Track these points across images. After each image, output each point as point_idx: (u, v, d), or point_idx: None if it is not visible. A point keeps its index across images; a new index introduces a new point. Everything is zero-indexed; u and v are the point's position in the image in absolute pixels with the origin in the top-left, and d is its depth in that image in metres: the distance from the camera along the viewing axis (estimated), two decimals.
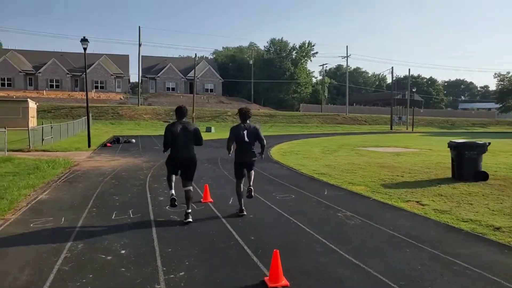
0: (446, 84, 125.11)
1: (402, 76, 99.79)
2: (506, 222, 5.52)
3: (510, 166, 11.54)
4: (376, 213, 6.12)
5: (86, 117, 29.28)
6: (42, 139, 18.85)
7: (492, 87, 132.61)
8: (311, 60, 74.05)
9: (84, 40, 18.19)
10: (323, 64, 72.79)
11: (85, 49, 18.25)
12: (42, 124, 21.15)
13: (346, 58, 59.71)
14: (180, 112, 6.04)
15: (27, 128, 18.54)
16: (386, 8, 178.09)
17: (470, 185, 8.32)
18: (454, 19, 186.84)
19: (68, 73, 58.48)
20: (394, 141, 25.63)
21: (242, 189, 6.20)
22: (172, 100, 57.55)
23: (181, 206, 6.41)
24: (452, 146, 9.24)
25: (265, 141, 6.22)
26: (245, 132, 5.99)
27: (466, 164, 8.93)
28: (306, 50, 71.67)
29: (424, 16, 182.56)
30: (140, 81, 53.73)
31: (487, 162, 10.84)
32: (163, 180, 9.34)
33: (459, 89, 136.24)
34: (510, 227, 5.26)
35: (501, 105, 61.43)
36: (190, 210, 5.87)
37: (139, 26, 49.90)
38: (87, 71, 59.64)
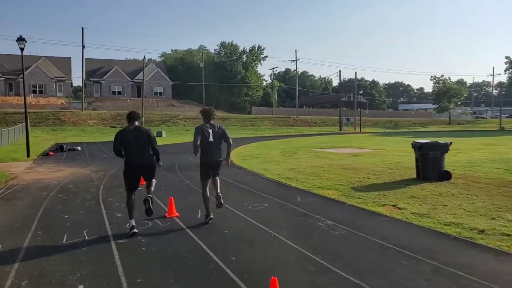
0: (386, 86, 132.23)
1: (347, 79, 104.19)
2: (486, 224, 5.45)
3: (462, 163, 11.95)
4: (357, 221, 5.82)
5: (23, 123, 26.79)
6: None
7: (427, 89, 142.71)
8: (261, 64, 74.51)
9: (20, 39, 16.45)
10: (273, 68, 73.86)
11: (22, 49, 16.50)
12: None
13: (295, 61, 60.66)
14: (131, 117, 5.76)
15: None
16: (331, 13, 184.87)
17: (437, 185, 8.37)
18: (393, 24, 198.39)
19: (1, 76, 53.57)
20: (346, 141, 26.14)
21: (208, 194, 5.98)
22: (118, 104, 54.83)
23: (140, 223, 5.70)
24: (417, 146, 9.30)
25: (231, 140, 6.03)
26: (210, 131, 5.82)
27: (431, 164, 9.02)
28: (256, 54, 71.86)
29: (366, 21, 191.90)
30: (83, 85, 50.56)
31: None
32: (118, 192, 8.46)
33: (398, 91, 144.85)
34: (493, 229, 5.18)
35: (437, 105, 65.74)
36: (150, 195, 5.79)
37: (82, 27, 47.02)
38: (24, 74, 55.09)
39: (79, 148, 21.35)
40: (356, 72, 73.43)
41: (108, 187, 9.30)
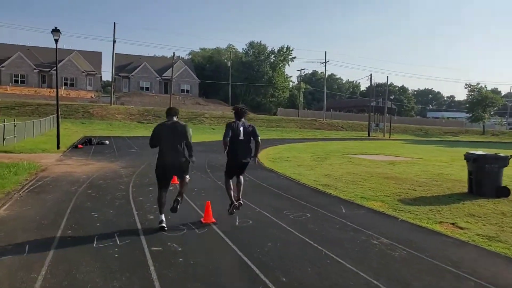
0: (415, 92, 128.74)
1: (375, 84, 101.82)
2: None
3: None
4: (416, 240, 5.15)
5: (54, 115, 27.21)
6: (3, 139, 16.90)
7: (458, 97, 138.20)
8: (289, 65, 73.63)
9: (55, 31, 16.46)
10: (301, 69, 72.88)
11: (56, 40, 16.51)
12: (4, 122, 19.12)
13: (324, 63, 59.57)
14: (170, 112, 5.72)
15: None
16: (361, 16, 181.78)
17: (495, 202, 7.55)
18: (425, 29, 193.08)
19: (35, 68, 55.05)
20: (378, 148, 25.14)
21: (232, 185, 6.01)
22: (146, 100, 55.39)
23: (175, 228, 5.24)
24: (471, 158, 8.48)
25: (260, 138, 6.00)
26: (241, 129, 5.76)
27: (487, 179, 8.19)
28: (284, 55, 71.10)
29: (398, 25, 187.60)
30: (113, 80, 51.31)
31: None
32: (148, 191, 8.07)
33: (427, 98, 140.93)
34: None
35: (471, 114, 63.11)
36: (180, 198, 5.65)
37: (114, 22, 47.69)
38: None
39: (107, 142, 21.35)
40: (387, 77, 71.43)
41: (138, 185, 8.93)
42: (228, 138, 5.67)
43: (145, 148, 18.74)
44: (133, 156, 15.41)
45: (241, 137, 5.73)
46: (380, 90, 75.70)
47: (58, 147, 16.90)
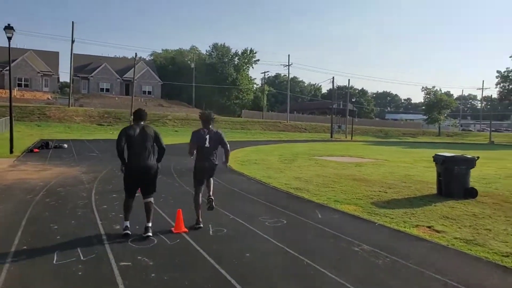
0: (374, 95, 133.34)
1: (337, 87, 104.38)
2: None
3: (477, 179, 11.36)
4: (396, 246, 5.07)
5: (6, 117, 25.43)
6: None
7: (414, 99, 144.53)
8: (252, 67, 73.76)
9: (8, 28, 15.31)
10: (265, 72, 73.09)
11: (9, 38, 15.34)
12: None
13: (287, 66, 60.21)
14: (139, 114, 5.38)
15: None
16: (323, 20, 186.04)
17: (465, 204, 7.71)
18: (383, 33, 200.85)
19: None
20: (342, 149, 25.56)
21: (200, 200, 5.77)
22: (106, 101, 53.34)
23: (144, 239, 4.86)
24: (440, 160, 8.65)
25: (228, 146, 5.90)
26: (207, 137, 5.63)
27: (455, 180, 8.37)
28: (248, 57, 71.16)
29: (357, 29, 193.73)
30: (71, 80, 48.96)
31: None
32: (112, 199, 7.56)
33: (386, 101, 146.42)
34: None
35: (427, 116, 66.02)
36: (150, 224, 5.28)
37: (72, 22, 45.51)
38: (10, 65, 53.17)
39: (65, 145, 20.18)
40: (349, 80, 73.44)
41: (101, 191, 8.36)
42: (195, 147, 5.61)
43: (107, 152, 17.86)
44: (94, 160, 14.59)
45: (207, 144, 5.62)
46: (341, 93, 77.64)
47: (11, 151, 15.71)
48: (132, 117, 5.52)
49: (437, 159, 8.73)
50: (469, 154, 9.40)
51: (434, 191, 9.06)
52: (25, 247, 4.69)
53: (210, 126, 5.76)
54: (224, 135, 5.90)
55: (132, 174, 5.22)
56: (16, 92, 47.86)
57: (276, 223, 6.09)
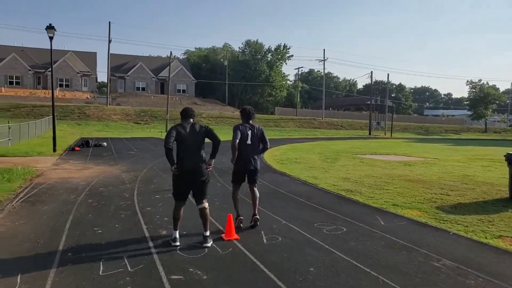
0: (412, 90, 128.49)
1: (373, 83, 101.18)
2: None
3: None
4: (484, 262, 4.33)
5: (50, 117, 26.23)
6: None
7: (455, 94, 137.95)
8: (286, 63, 73.10)
9: (50, 28, 15.55)
10: (299, 67, 72.00)
11: (51, 38, 15.58)
12: (8, 123, 18.16)
13: (323, 61, 58.83)
14: (186, 113, 4.93)
15: None
16: (357, 15, 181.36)
17: None
18: (421, 27, 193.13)
19: (30, 70, 53.85)
20: (385, 147, 24.39)
21: (239, 195, 5.57)
22: (142, 100, 54.40)
23: (193, 247, 4.41)
24: None
25: (269, 144, 5.69)
26: (249, 133, 5.35)
27: None
28: (281, 53, 70.32)
29: (394, 23, 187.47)
30: (108, 80, 50.23)
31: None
32: (155, 200, 7.23)
33: (425, 96, 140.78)
34: None
35: (473, 112, 62.47)
36: (208, 233, 4.80)
37: (109, 22, 46.61)
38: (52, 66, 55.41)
39: (105, 144, 20.42)
40: (388, 74, 71.03)
41: (143, 192, 8.07)
42: (237, 143, 5.24)
43: (145, 151, 17.86)
44: (133, 159, 14.52)
45: (249, 141, 5.34)
46: (378, 88, 75.11)
47: (54, 150, 15.98)
48: (180, 116, 4.98)
49: (510, 158, 7.77)
50: None
51: (505, 194, 8.13)
52: (70, 254, 4.37)
53: (251, 122, 5.48)
54: (265, 132, 5.61)
55: (184, 176, 4.73)
56: (58, 92, 49.73)
57: (335, 230, 5.48)
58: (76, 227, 5.44)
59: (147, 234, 5.17)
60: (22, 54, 54.29)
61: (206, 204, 4.86)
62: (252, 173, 5.44)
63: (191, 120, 4.88)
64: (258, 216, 5.54)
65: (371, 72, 59.67)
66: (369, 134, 48.25)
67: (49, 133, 23.37)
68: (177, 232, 4.81)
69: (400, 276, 3.89)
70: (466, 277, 3.88)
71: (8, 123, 18.29)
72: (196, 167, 4.73)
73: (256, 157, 5.43)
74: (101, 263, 4.12)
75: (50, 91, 49.45)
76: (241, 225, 5.40)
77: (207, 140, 4.85)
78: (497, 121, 71.45)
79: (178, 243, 4.71)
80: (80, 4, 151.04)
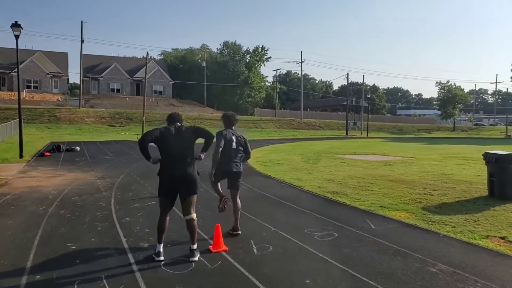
0: (385, 91, 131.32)
1: (347, 83, 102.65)
2: None
3: None
4: (479, 264, 4.21)
5: (16, 120, 24.97)
6: None
7: (425, 95, 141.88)
8: (264, 65, 72.96)
9: (15, 26, 14.69)
10: (277, 69, 71.92)
11: (17, 36, 14.72)
12: None
13: (300, 63, 59.14)
14: (173, 117, 4.59)
15: None
16: (332, 15, 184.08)
17: None
18: (392, 28, 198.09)
19: None
20: (363, 147, 24.59)
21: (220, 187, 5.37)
22: (117, 102, 53.01)
23: (179, 261, 4.08)
24: (492, 158, 7.73)
25: (251, 154, 5.61)
26: (233, 138, 5.24)
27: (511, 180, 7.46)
28: (259, 54, 70.35)
29: (367, 24, 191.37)
30: (81, 81, 48.63)
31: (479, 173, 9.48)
32: (134, 209, 6.82)
33: (397, 96, 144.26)
34: None
35: (442, 111, 64.39)
36: (196, 246, 4.43)
37: (82, 21, 45.18)
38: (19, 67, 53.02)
39: (77, 148, 19.60)
40: (363, 76, 72.23)
41: (121, 200, 7.62)
42: (221, 148, 5.09)
43: (121, 154, 17.23)
44: (109, 164, 13.91)
45: (234, 146, 5.23)
46: (353, 89, 76.14)
47: (21, 156, 15.11)
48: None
49: (488, 157, 7.81)
50: (498, 149, 8.48)
51: (483, 192, 8.18)
52: (38, 276, 3.92)
53: (233, 128, 5.37)
54: (248, 140, 5.50)
55: (167, 183, 4.42)
56: (25, 94, 47.74)
57: (326, 236, 5.26)
58: (46, 243, 4.97)
59: (127, 248, 4.78)
60: None
61: (194, 215, 4.52)
62: (235, 176, 5.28)
63: (178, 124, 4.55)
64: (240, 231, 5.27)
65: (347, 73, 60.33)
66: (346, 134, 48.78)
67: (15, 137, 22.19)
68: (161, 245, 4.44)
69: (399, 284, 3.69)
70: (465, 283, 3.72)
71: None
72: (185, 174, 4.38)
73: (238, 162, 5.31)
74: (75, 285, 3.71)
75: (16, 93, 47.53)
76: (227, 204, 5.27)
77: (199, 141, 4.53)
78: (464, 120, 74.06)
79: (162, 258, 4.34)
80: (51, 1, 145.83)
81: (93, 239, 5.12)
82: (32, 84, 52.86)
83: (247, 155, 5.45)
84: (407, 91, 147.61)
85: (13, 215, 6.39)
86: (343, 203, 7.46)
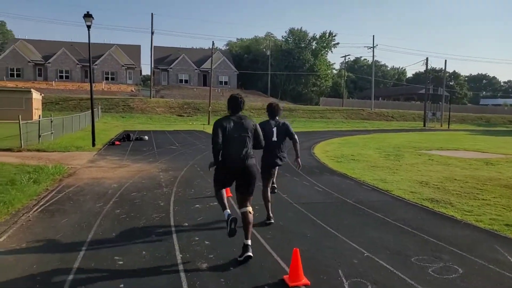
0: (466, 78, 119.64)
1: (423, 71, 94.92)
2: None
3: None
4: None
5: (95, 109, 26.20)
6: (39, 136, 15.56)
7: None
8: (331, 51, 70.01)
9: (87, 16, 14.77)
10: (345, 55, 68.16)
11: (89, 26, 14.83)
12: (40, 118, 17.92)
13: (372, 48, 55.42)
14: (235, 103, 4.29)
15: (29, 121, 15.37)
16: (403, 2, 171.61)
17: None
18: (474, 12, 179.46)
19: (78, 64, 55.50)
20: (448, 141, 21.78)
21: (269, 193, 5.40)
22: (185, 92, 54.26)
23: None
24: None
25: (296, 136, 5.43)
26: (274, 130, 5.27)
27: None
28: (326, 41, 67.45)
29: (446, 8, 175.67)
30: (152, 73, 50.37)
31: None
32: (195, 211, 5.92)
33: (481, 84, 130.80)
34: None
35: None
36: (250, 242, 4.03)
37: (152, 13, 46.46)
38: (98, 61, 56.74)
39: (146, 137, 19.69)
40: (446, 61, 65.93)
41: (181, 199, 6.78)
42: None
43: (187, 145, 16.85)
44: (174, 155, 13.44)
45: (274, 138, 5.23)
46: (429, 77, 69.89)
47: (93, 144, 15.34)
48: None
49: None
50: None
51: None
52: None
53: (277, 118, 5.39)
54: (291, 125, 5.48)
55: (225, 175, 4.20)
56: (104, 85, 50.82)
57: (446, 272, 3.81)
58: (93, 255, 4.19)
59: (181, 269, 3.81)
60: (71, 48, 55.96)
61: (250, 208, 4.15)
62: (278, 165, 5.42)
63: (240, 113, 4.25)
64: (275, 185, 5.69)
65: (426, 58, 54.81)
66: (424, 125, 44.77)
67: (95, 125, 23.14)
68: (228, 210, 4.17)
69: None
70: None
71: (50, 116, 17.98)
72: (242, 167, 4.09)
73: (282, 152, 5.34)
74: None
75: (97, 84, 50.81)
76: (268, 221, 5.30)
77: None
78: None
79: (230, 215, 4.03)
80: None
81: (143, 252, 4.24)
82: (109, 76, 56.13)
83: (292, 138, 5.36)
84: (494, 77, 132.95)
85: (69, 213, 5.82)
86: (451, 216, 5.84)
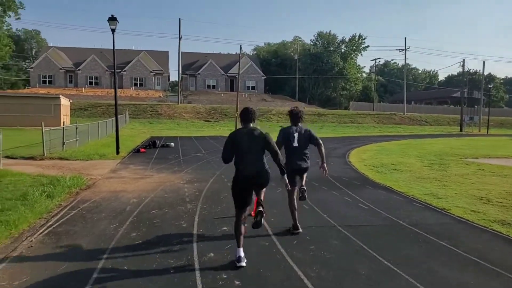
0: (502, 81, 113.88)
1: (456, 73, 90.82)
2: None
3: None
4: None
5: (122, 115, 26.01)
6: (63, 143, 15.30)
7: None
8: (361, 55, 68.11)
9: (112, 19, 14.42)
10: (375, 59, 65.79)
11: (113, 30, 14.47)
12: (63, 125, 17.76)
13: (404, 51, 53.35)
14: (246, 114, 4.38)
15: (53, 128, 15.15)
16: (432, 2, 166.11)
17: None
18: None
19: (107, 70, 56.50)
20: (495, 147, 20.07)
21: (295, 202, 5.24)
22: (212, 97, 54.07)
23: None
24: None
25: (321, 141, 5.30)
26: (295, 135, 5.27)
27: None
28: (356, 44, 65.74)
29: (472, 8, 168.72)
30: (180, 78, 50.51)
31: None
32: (222, 234, 5.09)
33: None
34: None
35: None
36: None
37: (179, 18, 46.62)
38: (126, 68, 57.47)
39: (172, 144, 19.18)
40: (484, 62, 62.71)
41: (207, 218, 5.97)
42: (281, 146, 5.18)
43: (214, 152, 16.14)
44: (200, 163, 12.74)
45: (295, 143, 5.26)
46: (461, 80, 66.79)
47: (117, 152, 14.89)
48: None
49: None
50: None
51: None
52: None
53: (300, 124, 5.40)
54: (314, 131, 5.44)
55: (240, 184, 4.28)
56: (132, 91, 51.35)
57: None
58: None
59: None
60: (100, 55, 57.04)
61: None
62: (303, 171, 5.35)
63: (251, 124, 4.36)
64: (304, 187, 5.37)
65: (463, 60, 52.10)
66: (460, 130, 42.39)
67: (121, 132, 22.95)
68: (241, 249, 4.12)
69: None
70: None
71: (76, 123, 17.78)
72: (253, 174, 4.19)
73: (305, 158, 5.29)
74: None
75: (125, 90, 51.47)
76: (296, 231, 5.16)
77: None
78: None
79: (243, 264, 4.03)
80: (150, 2, 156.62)
81: None
82: (138, 82, 56.79)
83: (317, 143, 5.29)
84: None
85: (78, 236, 5.11)
86: None
